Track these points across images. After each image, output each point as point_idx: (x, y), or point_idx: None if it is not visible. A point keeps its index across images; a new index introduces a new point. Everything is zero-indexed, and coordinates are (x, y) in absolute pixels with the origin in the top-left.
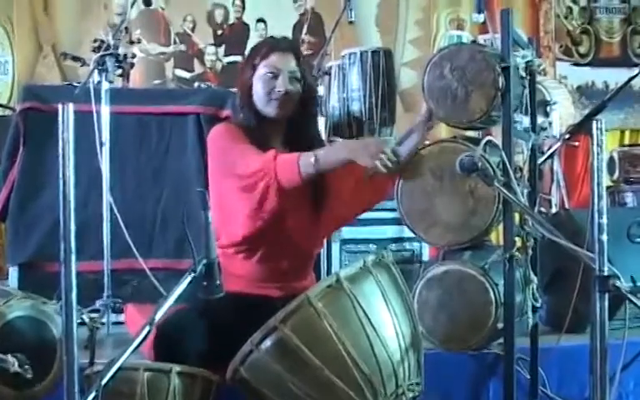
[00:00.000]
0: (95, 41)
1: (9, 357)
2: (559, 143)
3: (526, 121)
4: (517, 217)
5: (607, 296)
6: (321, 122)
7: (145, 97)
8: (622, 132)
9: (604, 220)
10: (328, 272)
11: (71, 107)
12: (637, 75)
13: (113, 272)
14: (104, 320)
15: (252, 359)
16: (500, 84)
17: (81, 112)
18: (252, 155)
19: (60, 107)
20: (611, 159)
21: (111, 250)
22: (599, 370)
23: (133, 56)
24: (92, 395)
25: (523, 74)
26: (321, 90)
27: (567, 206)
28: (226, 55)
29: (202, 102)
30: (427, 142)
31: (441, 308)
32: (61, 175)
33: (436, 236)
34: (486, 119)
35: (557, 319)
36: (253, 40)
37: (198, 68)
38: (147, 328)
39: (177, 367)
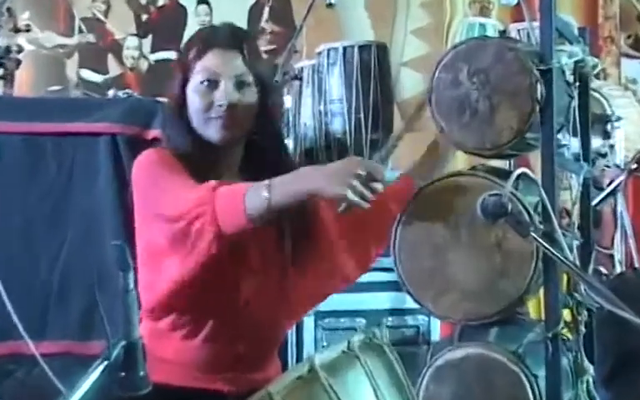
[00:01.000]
0: None
1: None
2: (625, 175)
3: (575, 144)
4: (564, 280)
5: None
6: (289, 145)
7: (37, 110)
8: None
9: None
10: (299, 358)
11: None
12: None
13: None
14: None
15: None
16: (538, 94)
17: None
18: (183, 189)
19: None
20: None
21: None
22: None
23: (19, 50)
24: None
25: (572, 79)
26: (288, 101)
27: (636, 264)
28: (153, 50)
29: (120, 118)
30: (437, 176)
31: None
32: None
33: (449, 306)
34: (518, 143)
35: None
36: (192, 29)
37: (114, 68)
38: None
39: None
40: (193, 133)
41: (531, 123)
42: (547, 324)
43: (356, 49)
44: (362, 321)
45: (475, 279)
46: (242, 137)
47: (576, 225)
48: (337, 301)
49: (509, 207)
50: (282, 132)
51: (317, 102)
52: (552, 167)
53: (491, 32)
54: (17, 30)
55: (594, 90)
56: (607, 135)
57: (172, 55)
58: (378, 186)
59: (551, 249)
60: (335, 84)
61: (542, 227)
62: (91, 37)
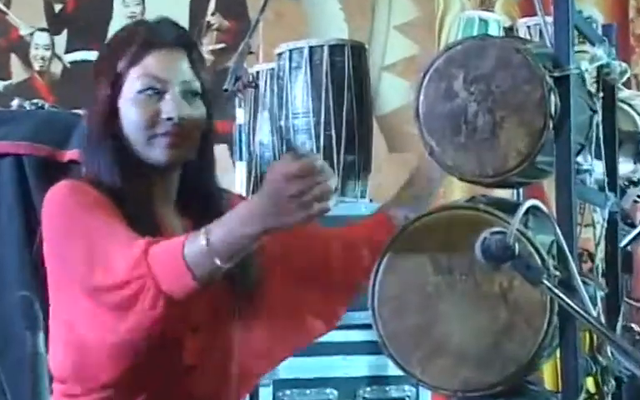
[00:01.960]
0: None
1: None
2: None
3: (600, 170)
4: (585, 340)
5: None
6: (240, 170)
7: None
8: None
9: None
10: None
11: None
12: None
13: None
14: None
15: None
16: (552, 107)
17: None
18: (108, 244)
19: None
20: None
21: None
22: None
23: None
24: None
25: (594, 89)
26: (240, 115)
27: None
28: (69, 49)
29: (27, 135)
30: (426, 210)
31: None
32: None
33: (441, 374)
34: (528, 169)
35: None
36: (119, 23)
37: (19, 72)
38: None
39: None
40: (127, 158)
41: (543, 144)
42: (564, 396)
43: (325, 50)
44: (333, 392)
45: (474, 339)
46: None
47: (600, 271)
48: (301, 366)
49: (516, 248)
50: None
51: (277, 115)
52: (569, 199)
53: (494, 30)
54: None
55: (622, 101)
56: (639, 158)
57: (93, 55)
58: (327, 181)
59: (568, 301)
60: (299, 94)
61: (557, 273)
62: None
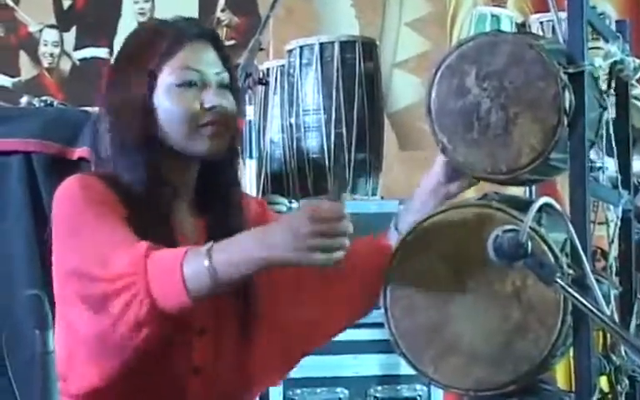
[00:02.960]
0: None
1: None
2: None
3: (613, 167)
4: (599, 339)
5: None
6: (250, 168)
7: None
8: None
9: None
10: None
11: None
12: None
13: None
14: None
15: None
16: (566, 103)
17: None
18: (111, 242)
19: None
20: None
21: None
22: None
23: None
24: None
25: (607, 86)
26: (250, 111)
27: None
28: (78, 46)
29: (37, 133)
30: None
31: None
32: None
33: (454, 373)
34: (541, 166)
35: None
36: (128, 20)
37: (28, 69)
38: None
39: None
40: (166, 153)
41: (556, 141)
42: (577, 396)
43: (336, 46)
44: (343, 391)
45: (486, 338)
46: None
47: (614, 269)
48: (311, 365)
49: (529, 246)
50: (238, 151)
51: (288, 113)
52: (583, 197)
53: (506, 26)
54: None
55: (636, 98)
56: None
57: (102, 52)
58: (345, 227)
59: (582, 300)
60: (310, 91)
61: (570, 271)
62: None
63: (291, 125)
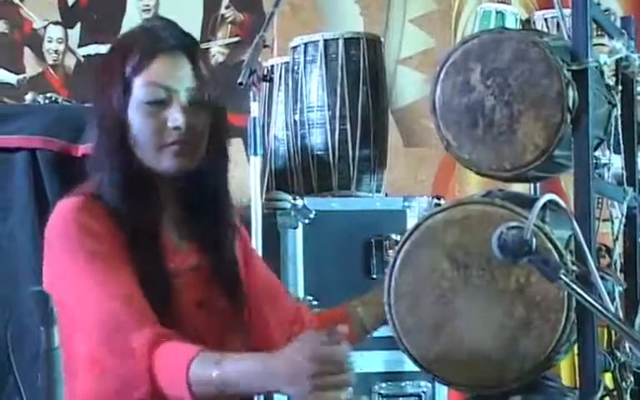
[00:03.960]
0: None
1: None
2: None
3: (618, 164)
4: (603, 335)
5: None
6: (254, 165)
7: None
8: None
9: None
10: None
11: None
12: None
13: None
14: None
15: None
16: (570, 101)
17: None
18: (125, 315)
19: None
20: None
21: None
22: None
23: None
24: None
25: (612, 82)
26: (254, 108)
27: None
28: (83, 43)
29: (41, 130)
30: (444, 203)
31: None
32: None
33: (457, 369)
34: (545, 163)
35: None
36: (133, 16)
37: (33, 66)
38: None
39: None
40: (139, 167)
41: (561, 138)
42: (582, 392)
43: (340, 43)
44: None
45: (491, 335)
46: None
47: (618, 266)
48: None
49: (533, 243)
50: (226, 165)
51: (292, 109)
52: (587, 193)
53: (511, 23)
54: None
55: None
56: None
57: (106, 49)
58: (347, 369)
59: (586, 296)
60: (314, 87)
61: (575, 268)
62: (1, 26)
63: (295, 122)
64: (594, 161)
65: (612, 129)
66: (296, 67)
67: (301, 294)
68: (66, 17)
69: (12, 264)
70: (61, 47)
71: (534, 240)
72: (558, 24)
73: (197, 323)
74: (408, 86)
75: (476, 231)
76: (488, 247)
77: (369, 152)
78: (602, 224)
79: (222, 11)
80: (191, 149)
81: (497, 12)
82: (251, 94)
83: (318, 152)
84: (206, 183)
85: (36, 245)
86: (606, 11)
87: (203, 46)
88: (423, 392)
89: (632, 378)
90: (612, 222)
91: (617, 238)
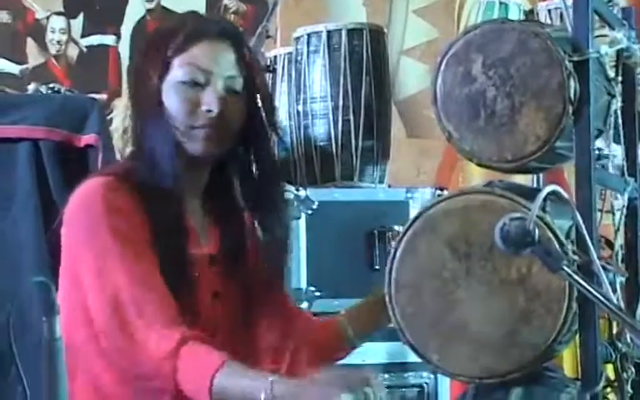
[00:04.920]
0: None
1: None
2: None
3: (619, 155)
4: (605, 326)
5: None
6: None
7: None
8: None
9: None
10: None
11: None
12: None
13: None
14: None
15: None
16: (572, 91)
17: None
18: (149, 314)
19: None
20: None
21: None
22: None
23: None
24: None
25: (613, 73)
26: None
27: None
28: (86, 33)
29: (44, 120)
30: (445, 194)
31: None
32: None
33: (459, 360)
34: (547, 154)
35: None
36: (136, 7)
37: (36, 56)
38: None
39: None
40: (177, 147)
41: (562, 129)
42: (583, 383)
43: (343, 33)
44: None
45: (492, 325)
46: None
47: (620, 257)
48: None
49: (535, 234)
50: (273, 152)
51: (295, 100)
52: (589, 184)
53: (514, 14)
54: None
55: None
56: None
57: (109, 40)
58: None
59: (588, 287)
60: (317, 78)
61: (576, 258)
62: (4, 17)
63: (298, 112)
64: (596, 152)
65: (612, 120)
66: (299, 58)
67: (303, 285)
68: (68, 8)
69: (14, 254)
70: (63, 38)
71: (536, 231)
72: (562, 15)
73: (212, 314)
74: (411, 77)
75: (477, 221)
76: (489, 237)
77: (372, 143)
78: (603, 216)
79: (225, 1)
80: (219, 135)
81: (501, 3)
82: None
83: (321, 143)
84: (235, 172)
85: (38, 235)
86: (608, 2)
87: None
88: (425, 383)
89: (633, 369)
90: (614, 214)
91: (618, 229)
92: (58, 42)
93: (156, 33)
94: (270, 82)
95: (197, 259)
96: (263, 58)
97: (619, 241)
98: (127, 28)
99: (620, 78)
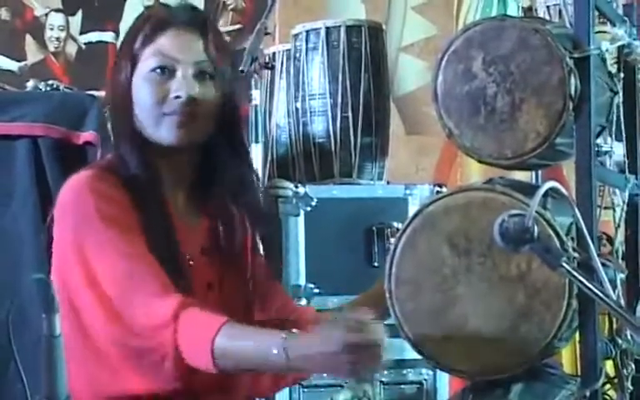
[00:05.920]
0: None
1: None
2: None
3: (620, 152)
4: (605, 323)
5: None
6: (256, 153)
7: None
8: None
9: None
10: None
11: None
12: None
13: None
14: None
15: None
16: (572, 88)
17: None
18: (147, 283)
19: None
20: None
21: None
22: None
23: None
24: None
25: (615, 70)
26: (256, 96)
27: None
28: (84, 30)
29: (43, 117)
30: (445, 190)
31: None
32: None
33: (458, 357)
34: (547, 150)
35: None
36: (134, 5)
37: (34, 53)
38: None
39: None
40: (142, 139)
41: (562, 125)
42: (583, 380)
43: (342, 30)
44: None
45: (491, 322)
46: (197, 143)
47: (620, 254)
48: None
49: (535, 230)
50: (242, 138)
51: (294, 97)
52: (589, 181)
53: (513, 10)
54: None
55: None
56: None
57: (107, 36)
58: (382, 351)
59: (588, 284)
60: (316, 75)
61: (576, 255)
62: (3, 13)
63: (297, 109)
64: (596, 148)
65: (615, 117)
66: (297, 55)
67: (302, 282)
68: (67, 5)
69: (13, 251)
70: (62, 35)
71: (536, 228)
72: (560, 12)
73: (206, 305)
74: (410, 73)
75: (477, 217)
76: (489, 233)
77: (371, 140)
78: (603, 212)
79: None
80: (191, 121)
81: (499, 0)
82: (252, 82)
83: (320, 140)
84: (217, 159)
85: (37, 232)
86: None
87: None
88: (425, 379)
89: (633, 366)
90: (614, 210)
91: (618, 226)
92: (57, 39)
93: (128, 31)
94: (269, 79)
95: (187, 249)
96: (262, 55)
97: (619, 238)
98: (125, 25)
99: (621, 75)
